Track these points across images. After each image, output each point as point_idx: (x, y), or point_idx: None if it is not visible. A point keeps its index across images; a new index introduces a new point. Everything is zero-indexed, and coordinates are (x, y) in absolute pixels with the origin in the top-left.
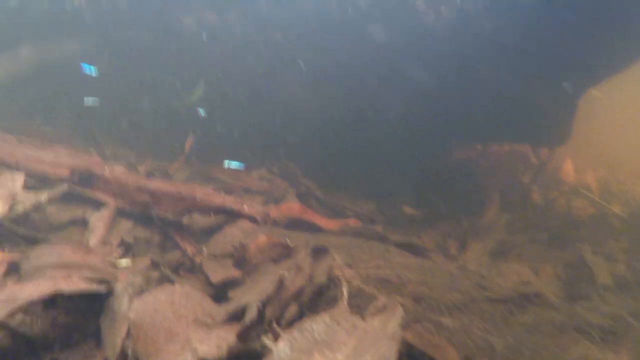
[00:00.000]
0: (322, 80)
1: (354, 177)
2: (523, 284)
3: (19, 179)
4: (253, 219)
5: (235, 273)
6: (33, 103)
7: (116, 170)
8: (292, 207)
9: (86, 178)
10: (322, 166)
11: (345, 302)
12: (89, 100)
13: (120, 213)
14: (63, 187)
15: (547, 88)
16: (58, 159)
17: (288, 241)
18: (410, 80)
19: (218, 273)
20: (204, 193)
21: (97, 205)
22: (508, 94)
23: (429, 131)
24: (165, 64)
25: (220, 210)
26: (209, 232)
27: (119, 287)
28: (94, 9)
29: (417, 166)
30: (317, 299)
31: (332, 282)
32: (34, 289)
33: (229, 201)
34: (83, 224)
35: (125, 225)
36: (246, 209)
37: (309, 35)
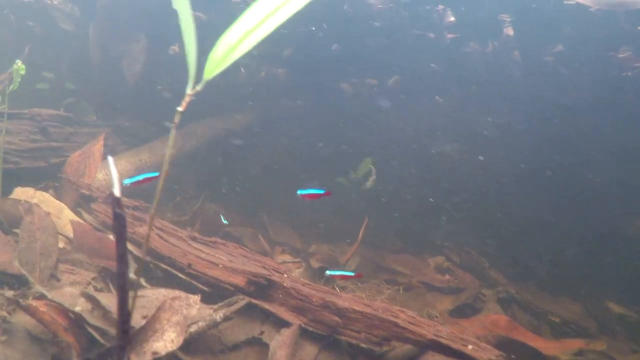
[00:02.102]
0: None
1: (546, 263)
2: None
3: (194, 304)
4: None
5: None
6: (200, 178)
7: (297, 281)
8: (498, 321)
9: (263, 287)
10: (505, 248)
11: None
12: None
13: (303, 333)
14: (241, 303)
15: None
16: (232, 263)
17: None
18: None
19: None
20: (410, 320)
21: (276, 322)
22: None
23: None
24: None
25: (431, 347)
26: None
27: None
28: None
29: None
30: None
31: None
32: None
33: (445, 334)
34: (260, 344)
35: (309, 350)
36: (470, 350)
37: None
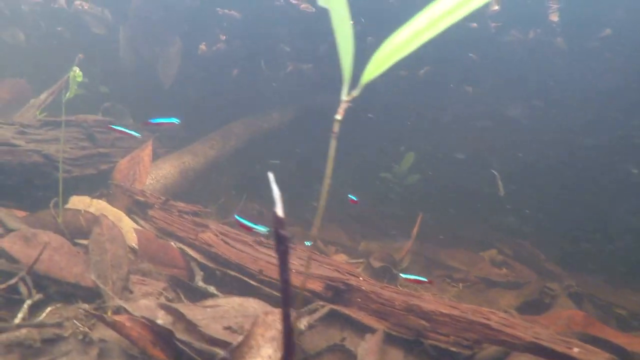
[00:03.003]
0: None
1: (604, 254)
2: None
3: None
4: None
5: None
6: (240, 178)
7: (376, 284)
8: (574, 317)
9: (340, 292)
10: (557, 239)
11: None
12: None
13: (387, 338)
14: (324, 310)
15: None
16: (306, 268)
17: None
18: None
19: None
20: (502, 321)
21: (357, 327)
22: None
23: None
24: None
25: (531, 349)
26: None
27: None
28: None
29: None
30: None
31: None
32: None
33: (544, 335)
34: (343, 351)
35: (395, 355)
36: (577, 353)
37: None
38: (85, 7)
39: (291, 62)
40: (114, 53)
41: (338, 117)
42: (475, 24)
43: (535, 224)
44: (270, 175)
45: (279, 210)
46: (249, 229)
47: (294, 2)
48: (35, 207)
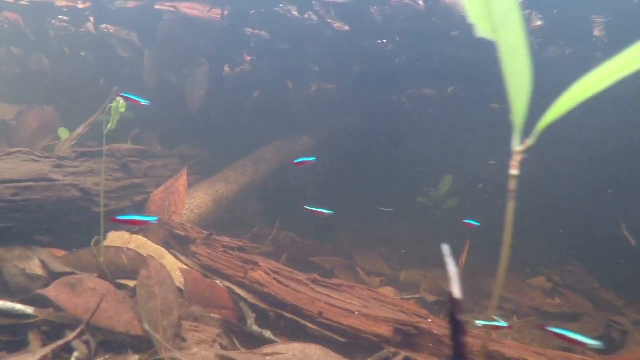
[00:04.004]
0: None
1: None
2: None
3: None
4: None
5: None
6: (270, 205)
7: (447, 327)
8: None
9: (410, 336)
10: (607, 264)
11: None
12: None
13: None
14: (398, 358)
15: None
16: (368, 309)
17: None
18: None
19: None
20: None
21: None
22: None
23: None
24: None
25: None
26: None
27: None
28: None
29: None
30: None
31: None
32: None
33: None
34: None
35: None
36: None
37: None
38: (111, 31)
39: (317, 82)
40: (140, 78)
41: (514, 172)
42: None
43: (582, 247)
44: (445, 249)
45: (456, 291)
46: (319, 213)
47: (329, 20)
48: (71, 245)
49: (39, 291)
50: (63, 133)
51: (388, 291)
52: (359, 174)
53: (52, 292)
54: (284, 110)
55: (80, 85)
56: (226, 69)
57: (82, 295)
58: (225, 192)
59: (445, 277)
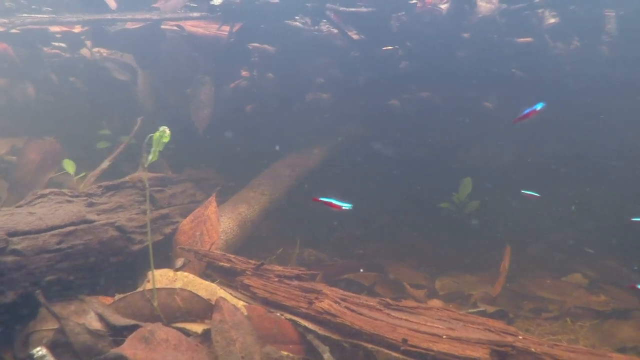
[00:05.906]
0: None
1: None
2: None
3: None
4: None
5: None
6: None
7: (544, 343)
8: None
9: (508, 356)
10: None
11: None
12: None
13: None
14: None
15: None
16: (454, 331)
17: None
18: None
19: None
20: None
21: None
22: None
23: None
24: None
25: None
26: None
27: None
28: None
29: None
30: None
31: None
32: None
33: None
34: None
35: None
36: None
37: None
38: (104, 54)
39: (324, 91)
40: (133, 100)
41: None
42: (530, 38)
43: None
44: None
45: None
46: (335, 206)
47: (335, 31)
48: (111, 288)
49: (114, 350)
50: (69, 165)
51: (436, 303)
52: (367, 181)
53: (129, 349)
54: (290, 120)
55: (72, 112)
56: (232, 85)
57: (157, 348)
58: (248, 215)
59: (482, 282)
